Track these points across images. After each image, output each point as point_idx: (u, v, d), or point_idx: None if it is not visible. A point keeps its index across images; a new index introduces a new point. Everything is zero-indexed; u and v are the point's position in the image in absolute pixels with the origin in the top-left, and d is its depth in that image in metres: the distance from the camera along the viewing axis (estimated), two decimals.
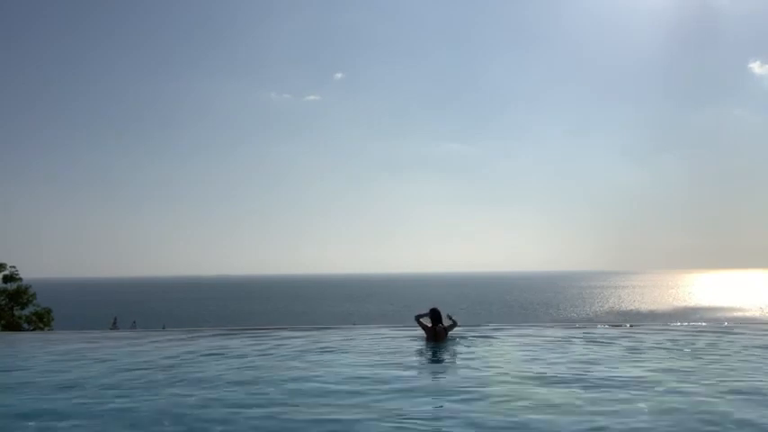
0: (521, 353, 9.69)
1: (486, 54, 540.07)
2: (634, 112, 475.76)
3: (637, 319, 64.00)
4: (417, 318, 11.26)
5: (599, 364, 8.30)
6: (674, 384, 6.90)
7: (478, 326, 12.99)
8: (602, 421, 5.38)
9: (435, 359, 9.66)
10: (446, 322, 11.06)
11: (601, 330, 12.32)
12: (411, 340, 10.95)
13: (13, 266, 27.99)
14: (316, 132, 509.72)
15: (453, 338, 10.95)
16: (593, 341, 10.66)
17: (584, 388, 6.73)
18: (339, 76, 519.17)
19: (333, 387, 6.96)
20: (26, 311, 27.67)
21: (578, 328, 12.80)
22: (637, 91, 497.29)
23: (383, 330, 12.49)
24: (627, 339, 10.76)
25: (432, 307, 10.98)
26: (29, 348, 11.93)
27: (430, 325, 10.91)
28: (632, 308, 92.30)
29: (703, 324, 13.93)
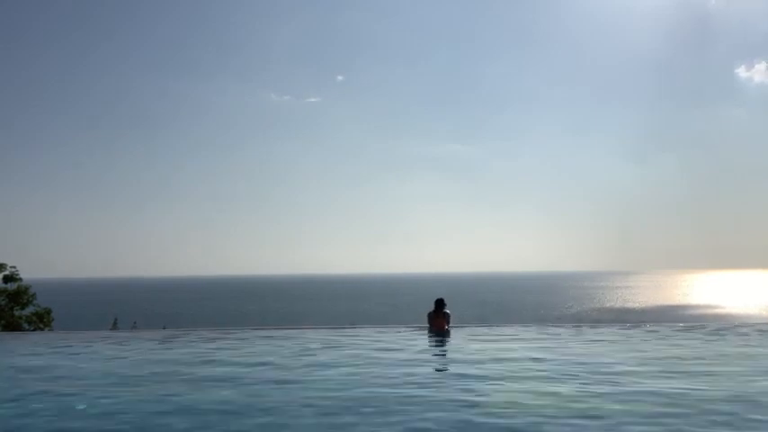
0: (518, 352, 9.74)
1: (486, 54, 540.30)
2: (633, 112, 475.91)
3: (635, 318, 64.07)
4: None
5: (594, 362, 8.37)
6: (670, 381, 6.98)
7: (476, 325, 13.04)
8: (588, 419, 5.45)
9: (433, 355, 9.80)
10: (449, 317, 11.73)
11: (600, 329, 12.37)
12: (409, 339, 11.03)
13: (14, 266, 27.93)
14: (316, 133, 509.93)
15: (452, 335, 11.18)
16: (592, 340, 10.74)
17: (579, 385, 6.79)
18: (340, 78, 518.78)
19: (331, 385, 7.03)
20: (26, 311, 27.65)
21: (577, 327, 12.85)
22: (636, 91, 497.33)
23: (382, 330, 12.55)
24: (627, 339, 10.82)
25: (438, 298, 11.91)
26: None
27: (434, 311, 11.67)
28: (631, 307, 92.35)
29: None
